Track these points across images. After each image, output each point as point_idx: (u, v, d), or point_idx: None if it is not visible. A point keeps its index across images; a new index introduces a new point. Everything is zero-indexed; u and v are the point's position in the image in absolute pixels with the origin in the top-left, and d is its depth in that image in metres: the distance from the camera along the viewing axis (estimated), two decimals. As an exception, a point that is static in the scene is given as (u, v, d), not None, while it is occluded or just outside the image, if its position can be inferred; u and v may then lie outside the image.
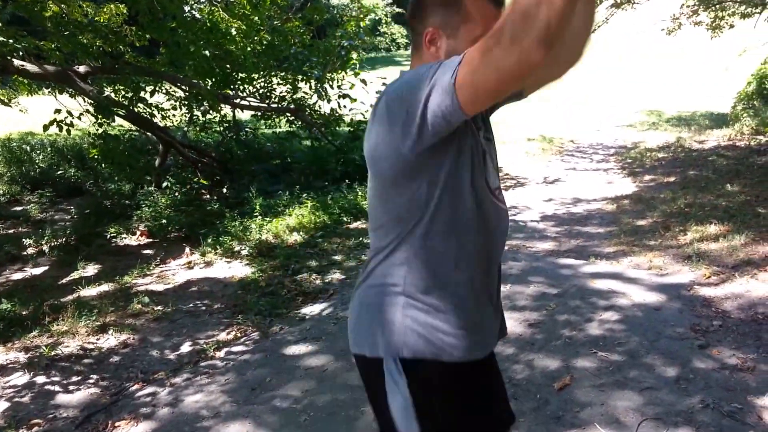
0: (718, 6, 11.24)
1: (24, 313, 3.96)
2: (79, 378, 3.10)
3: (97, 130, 6.70)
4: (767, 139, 8.82)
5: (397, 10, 32.93)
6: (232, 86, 7.57)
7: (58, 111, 5.86)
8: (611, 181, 7.96)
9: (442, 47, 1.21)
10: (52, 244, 5.53)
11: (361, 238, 5.40)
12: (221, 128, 8.68)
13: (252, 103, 7.93)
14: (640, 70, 21.72)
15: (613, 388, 2.53)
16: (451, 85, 1.02)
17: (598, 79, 20.27)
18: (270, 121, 9.14)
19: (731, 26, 11.78)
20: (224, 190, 7.25)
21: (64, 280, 4.84)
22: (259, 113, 8.51)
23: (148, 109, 7.85)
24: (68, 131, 5.96)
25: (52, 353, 3.35)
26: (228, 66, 6.94)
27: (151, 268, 5.00)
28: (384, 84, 7.00)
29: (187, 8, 6.70)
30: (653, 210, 5.88)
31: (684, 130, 11.92)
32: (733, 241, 4.34)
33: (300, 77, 7.46)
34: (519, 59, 0.95)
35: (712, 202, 5.75)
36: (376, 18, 29.79)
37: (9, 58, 5.58)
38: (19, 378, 3.12)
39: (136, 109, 7.52)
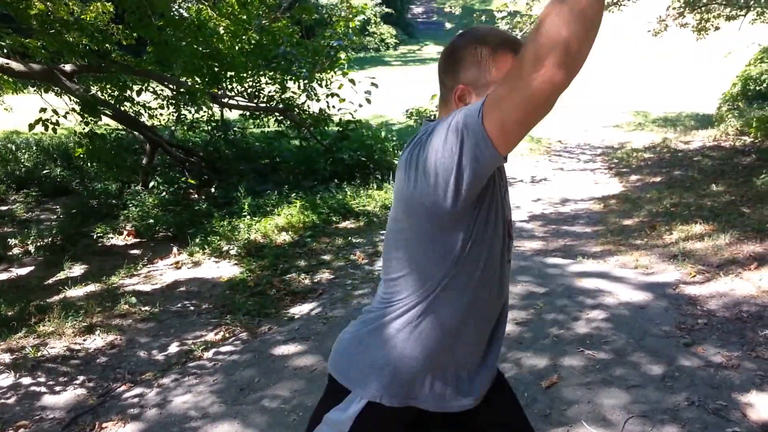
0: (703, 8, 11.35)
1: (9, 313, 3.92)
2: (66, 379, 3.08)
3: (84, 129, 6.63)
4: (752, 140, 8.93)
5: (387, 10, 32.88)
6: (220, 85, 7.53)
7: (43, 110, 5.79)
8: (598, 181, 8.04)
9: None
10: (38, 244, 5.48)
11: (350, 238, 5.40)
12: (209, 127, 8.63)
13: (240, 103, 7.90)
14: (626, 71, 21.89)
15: (599, 386, 2.56)
16: (479, 125, 1.01)
17: (585, 79, 20.39)
18: (258, 121, 9.09)
19: (717, 28, 11.89)
20: (212, 190, 7.21)
21: (50, 281, 4.79)
22: (248, 113, 8.47)
23: (135, 108, 7.79)
24: (54, 130, 5.89)
25: (38, 354, 3.32)
26: (216, 65, 6.90)
27: (139, 268, 4.97)
28: (373, 84, 7.06)
29: (174, 6, 6.65)
30: (639, 210, 5.93)
31: (670, 130, 12.05)
32: (718, 241, 4.39)
33: (289, 77, 7.44)
34: (542, 82, 0.95)
35: (698, 202, 5.82)
36: (365, 18, 29.72)
37: (-7, 56, 5.52)
38: (5, 379, 3.09)
39: (122, 108, 7.46)
